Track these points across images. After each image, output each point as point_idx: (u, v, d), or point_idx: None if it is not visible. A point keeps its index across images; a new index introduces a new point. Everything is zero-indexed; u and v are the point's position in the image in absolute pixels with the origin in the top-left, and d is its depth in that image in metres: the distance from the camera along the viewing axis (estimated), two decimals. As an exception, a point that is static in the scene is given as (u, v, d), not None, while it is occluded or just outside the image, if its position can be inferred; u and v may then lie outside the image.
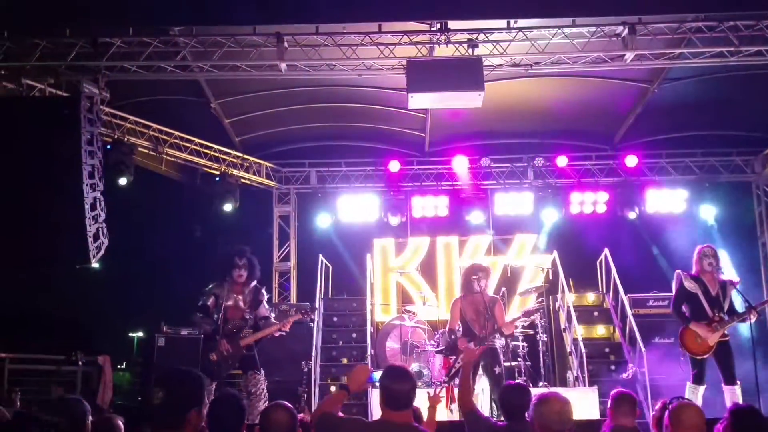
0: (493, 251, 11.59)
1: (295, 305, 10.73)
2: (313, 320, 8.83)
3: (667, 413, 3.69)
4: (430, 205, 11.74)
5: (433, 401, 4.99)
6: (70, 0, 7.98)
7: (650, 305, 10.31)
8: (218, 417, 3.39)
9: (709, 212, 11.40)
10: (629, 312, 9.89)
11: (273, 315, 7.51)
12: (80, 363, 9.52)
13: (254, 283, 7.31)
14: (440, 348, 8.67)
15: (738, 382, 6.83)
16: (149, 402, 2.84)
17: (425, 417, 4.83)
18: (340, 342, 10.53)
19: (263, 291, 7.40)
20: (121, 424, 3.99)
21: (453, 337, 7.46)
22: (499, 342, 7.50)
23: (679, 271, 7.29)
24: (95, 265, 8.91)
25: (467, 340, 7.18)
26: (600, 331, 10.50)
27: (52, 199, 8.21)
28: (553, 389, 8.49)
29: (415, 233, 11.79)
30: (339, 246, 11.72)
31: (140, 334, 14.34)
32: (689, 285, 7.08)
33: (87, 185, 8.35)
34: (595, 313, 10.63)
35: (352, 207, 11.82)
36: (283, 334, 7.31)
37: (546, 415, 3.49)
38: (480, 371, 7.29)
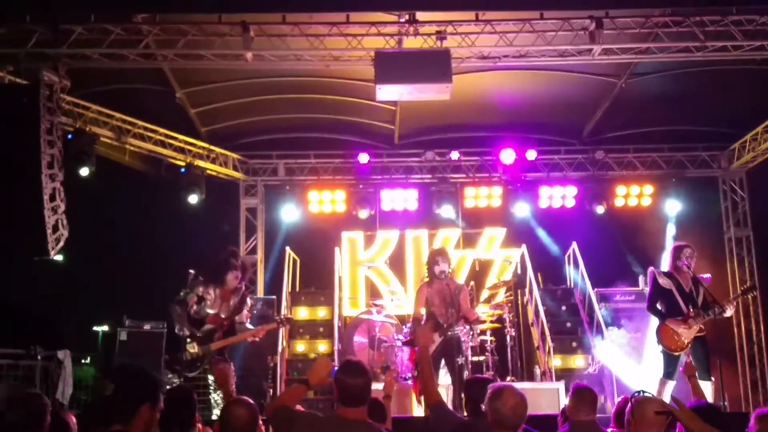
0: (462, 244, 11.58)
1: (261, 299, 10.63)
2: (287, 327, 8.71)
3: (629, 407, 3.65)
4: (399, 198, 11.70)
5: (387, 390, 4.86)
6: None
7: (617, 299, 10.40)
8: (169, 409, 3.35)
9: (675, 207, 11.48)
10: (596, 306, 9.97)
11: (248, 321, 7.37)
12: (39, 357, 9.30)
13: (243, 289, 7.17)
14: (407, 339, 8.60)
15: (712, 379, 6.85)
16: (99, 394, 2.93)
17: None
18: (307, 336, 10.46)
19: (248, 300, 7.24)
20: (74, 420, 3.89)
21: (416, 325, 7.34)
22: (463, 330, 7.40)
23: (652, 268, 7.30)
24: (57, 257, 8.73)
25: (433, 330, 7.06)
26: (568, 325, 10.55)
27: (10, 190, 8.03)
28: (520, 383, 8.51)
29: (384, 226, 11.71)
30: (307, 239, 11.58)
31: (105, 328, 14.10)
32: (663, 282, 7.08)
33: (46, 175, 8.19)
34: (563, 308, 10.68)
35: (321, 200, 11.73)
36: (257, 340, 7.18)
37: (500, 410, 3.36)
38: (442, 363, 7.22)
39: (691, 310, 6.93)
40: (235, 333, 7.03)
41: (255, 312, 8.91)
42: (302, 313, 10.73)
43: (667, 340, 6.97)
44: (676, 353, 6.96)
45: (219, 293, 6.95)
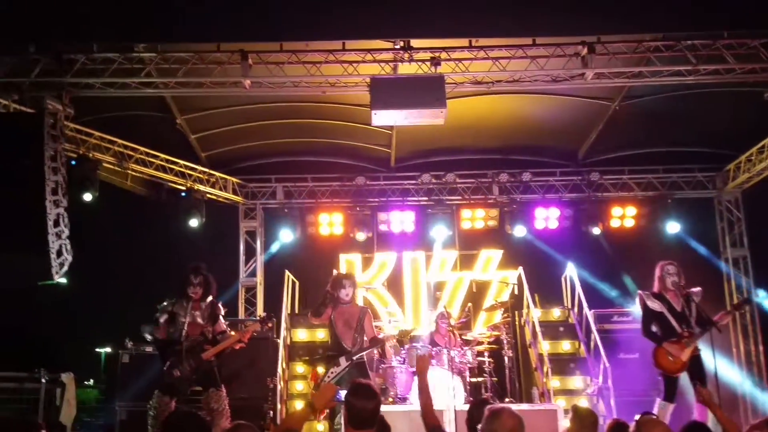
0: (459, 266, 11.65)
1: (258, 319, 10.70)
2: (271, 328, 8.79)
3: (633, 427, 3.73)
4: (396, 221, 11.79)
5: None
6: (35, 16, 7.97)
7: (614, 320, 10.41)
8: None
9: (672, 228, 11.50)
10: (593, 327, 9.98)
11: (229, 330, 7.51)
12: (44, 380, 9.40)
13: (210, 298, 7.31)
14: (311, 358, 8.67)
15: None
16: None
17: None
18: (307, 358, 10.50)
19: (219, 305, 7.41)
20: None
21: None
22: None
23: (640, 292, 7.30)
24: (61, 280, 8.84)
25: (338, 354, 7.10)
26: (565, 346, 10.57)
27: (15, 216, 8.14)
28: (518, 405, 8.55)
29: (381, 248, 11.83)
30: (305, 261, 11.68)
31: (108, 349, 14.18)
32: (653, 305, 7.09)
33: (50, 202, 8.30)
34: (561, 329, 10.72)
35: (319, 222, 11.83)
36: (244, 345, 7.32)
37: None
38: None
39: (685, 329, 6.95)
40: (218, 342, 7.19)
41: (256, 333, 8.99)
42: (301, 335, 10.79)
43: (664, 362, 6.97)
44: (675, 375, 6.97)
45: (188, 305, 7.15)
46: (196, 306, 7.25)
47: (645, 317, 7.17)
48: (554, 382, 9.65)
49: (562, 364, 10.19)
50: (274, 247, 12.04)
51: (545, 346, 9.76)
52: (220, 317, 7.38)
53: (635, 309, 8.57)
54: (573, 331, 10.64)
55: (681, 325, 6.98)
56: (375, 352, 8.07)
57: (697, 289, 7.33)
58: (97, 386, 12.17)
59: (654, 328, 7.11)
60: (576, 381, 10.13)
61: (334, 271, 11.10)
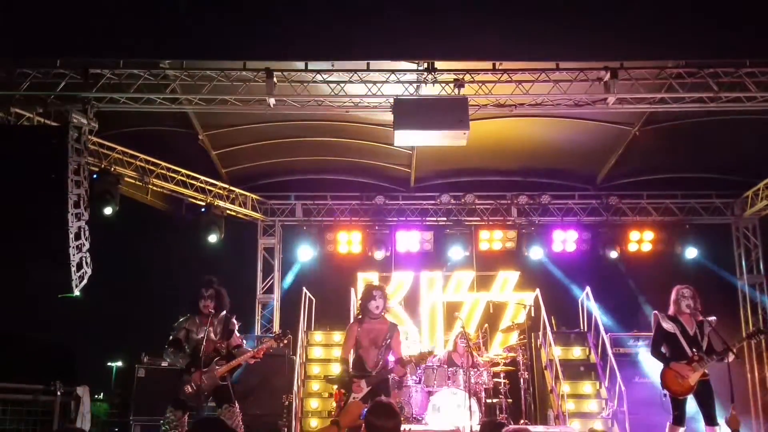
0: (476, 287, 11.65)
1: (274, 336, 10.68)
2: (286, 345, 8.75)
3: None
4: (414, 240, 11.85)
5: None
6: (61, 31, 8.05)
7: (630, 344, 10.41)
8: None
9: (689, 253, 11.53)
10: (609, 351, 9.96)
11: (245, 343, 7.46)
12: (59, 393, 9.38)
13: (223, 312, 7.23)
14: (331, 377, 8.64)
15: (719, 423, 6.82)
16: None
17: None
18: (323, 375, 10.49)
19: (233, 320, 7.27)
20: None
21: (345, 368, 6.98)
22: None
23: (656, 312, 7.32)
24: (77, 293, 8.86)
25: (359, 376, 6.73)
26: (586, 389, 10.39)
27: (37, 228, 8.17)
28: (534, 427, 8.51)
29: (399, 268, 11.86)
30: (323, 279, 11.71)
31: (119, 363, 14.16)
32: (667, 326, 7.11)
33: (72, 215, 8.32)
34: (576, 352, 10.68)
35: (337, 240, 11.88)
36: (258, 360, 7.25)
37: None
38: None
39: (695, 353, 6.95)
40: (233, 358, 7.13)
41: (272, 350, 8.98)
42: (317, 352, 10.78)
43: (672, 384, 6.97)
44: (682, 397, 6.96)
45: (201, 320, 7.08)
46: (209, 321, 7.18)
47: (656, 338, 7.20)
48: (569, 405, 9.62)
49: (578, 387, 10.14)
50: (291, 277, 12.15)
51: (565, 388, 9.58)
52: (235, 332, 7.30)
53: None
54: (589, 353, 10.61)
55: (692, 348, 6.99)
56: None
57: (713, 318, 7.34)
58: (108, 400, 12.12)
59: (663, 349, 7.13)
60: (591, 404, 10.10)
61: (364, 282, 11.10)
